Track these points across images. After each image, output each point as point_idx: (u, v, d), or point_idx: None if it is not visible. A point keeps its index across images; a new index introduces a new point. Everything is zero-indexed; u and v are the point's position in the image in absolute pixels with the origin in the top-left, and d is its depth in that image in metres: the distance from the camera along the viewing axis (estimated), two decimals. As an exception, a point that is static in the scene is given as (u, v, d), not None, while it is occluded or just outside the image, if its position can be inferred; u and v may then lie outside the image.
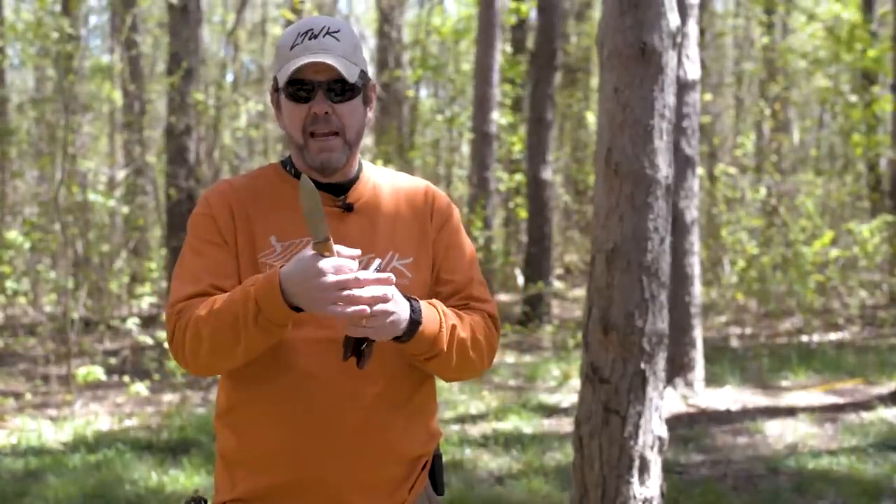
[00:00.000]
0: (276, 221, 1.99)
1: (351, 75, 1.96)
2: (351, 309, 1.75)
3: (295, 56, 1.96)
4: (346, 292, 1.74)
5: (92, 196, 9.79)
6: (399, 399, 1.99)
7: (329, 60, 1.93)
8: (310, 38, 1.96)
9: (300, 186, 1.76)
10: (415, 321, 1.86)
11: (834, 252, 10.78)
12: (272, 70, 2.06)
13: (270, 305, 1.79)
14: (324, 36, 1.97)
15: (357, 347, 1.85)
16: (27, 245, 9.00)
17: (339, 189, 2.04)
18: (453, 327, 1.95)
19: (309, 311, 1.79)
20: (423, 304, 1.91)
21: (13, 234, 8.96)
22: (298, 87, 1.96)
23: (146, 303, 10.02)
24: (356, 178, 2.07)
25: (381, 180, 2.11)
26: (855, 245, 11.05)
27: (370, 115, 2.08)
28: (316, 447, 1.94)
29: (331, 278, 1.74)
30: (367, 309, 1.75)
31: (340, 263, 1.76)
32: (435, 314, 1.92)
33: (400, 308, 1.83)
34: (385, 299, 1.78)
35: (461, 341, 1.96)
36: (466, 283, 2.08)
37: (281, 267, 1.82)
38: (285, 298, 1.78)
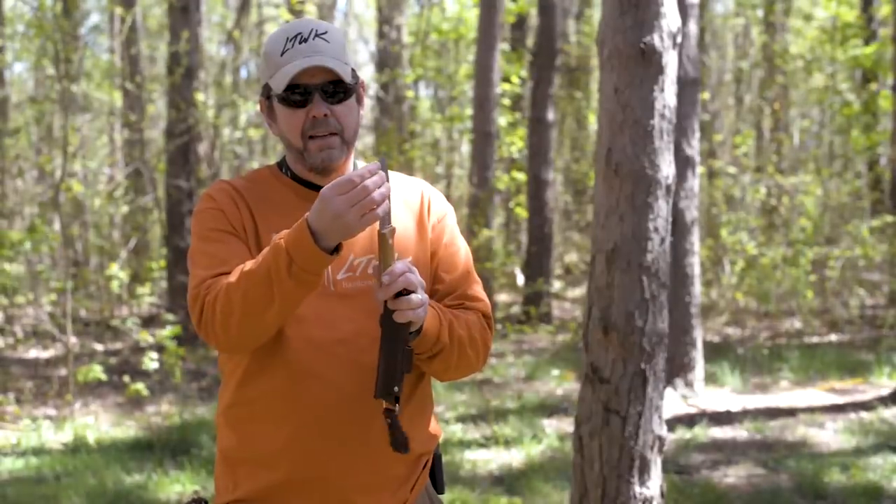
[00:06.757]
0: (275, 221, 1.99)
1: (346, 76, 1.97)
2: (369, 213, 1.74)
3: (287, 61, 1.95)
4: (367, 198, 1.74)
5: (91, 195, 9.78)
6: (401, 398, 1.99)
7: (325, 63, 1.94)
8: (300, 42, 1.96)
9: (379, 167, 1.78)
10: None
11: (834, 252, 10.76)
12: (261, 77, 2.03)
13: (302, 251, 1.77)
14: (313, 38, 1.96)
15: (390, 383, 1.87)
16: (27, 245, 8.98)
17: None
18: (451, 323, 1.97)
19: (341, 234, 1.77)
20: None
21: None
22: (295, 92, 1.96)
23: (146, 303, 9.99)
24: None
25: None
26: (855, 245, 11.04)
27: (363, 112, 2.08)
28: (319, 446, 1.95)
29: (350, 186, 1.74)
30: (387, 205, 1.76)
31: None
32: (434, 311, 1.93)
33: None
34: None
35: (460, 338, 1.97)
36: (462, 281, 2.09)
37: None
38: (316, 241, 1.76)
